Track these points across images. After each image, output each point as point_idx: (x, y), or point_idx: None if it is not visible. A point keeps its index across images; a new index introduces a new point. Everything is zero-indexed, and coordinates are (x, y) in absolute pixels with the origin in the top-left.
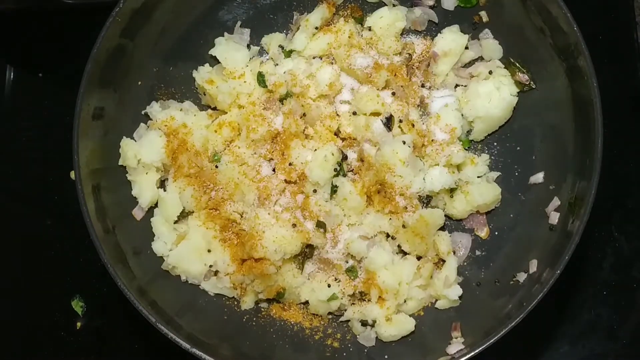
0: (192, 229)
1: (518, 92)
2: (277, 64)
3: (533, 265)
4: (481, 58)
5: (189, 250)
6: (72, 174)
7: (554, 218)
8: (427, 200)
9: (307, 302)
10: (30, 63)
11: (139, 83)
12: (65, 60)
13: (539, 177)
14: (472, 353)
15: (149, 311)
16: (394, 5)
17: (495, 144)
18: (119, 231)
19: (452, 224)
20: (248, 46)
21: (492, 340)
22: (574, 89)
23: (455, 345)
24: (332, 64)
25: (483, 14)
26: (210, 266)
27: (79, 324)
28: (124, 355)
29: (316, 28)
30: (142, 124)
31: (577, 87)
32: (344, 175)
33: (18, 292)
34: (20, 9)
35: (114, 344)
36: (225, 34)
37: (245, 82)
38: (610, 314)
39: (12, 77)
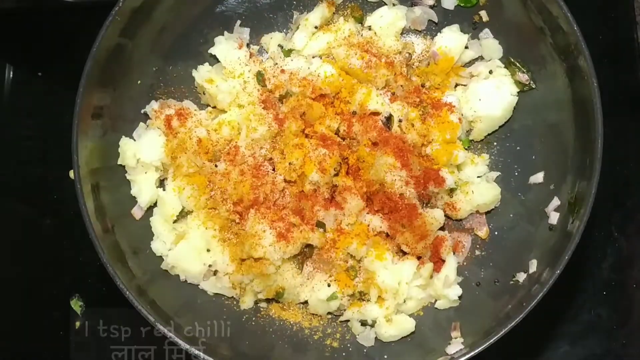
0: (192, 228)
1: (518, 92)
2: (277, 63)
3: (533, 265)
4: (481, 58)
5: (188, 249)
6: (72, 174)
7: (554, 218)
8: (426, 200)
9: (306, 302)
10: (29, 62)
11: (139, 82)
12: (65, 60)
13: (538, 177)
14: (472, 353)
15: (148, 311)
16: (394, 5)
17: (495, 143)
18: (118, 230)
19: (452, 224)
20: (248, 45)
21: (492, 340)
22: (574, 88)
23: (455, 345)
24: (331, 63)
25: (483, 13)
26: (210, 266)
27: (77, 323)
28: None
29: (316, 27)
30: (141, 123)
31: (577, 87)
32: (346, 173)
33: (17, 291)
34: (20, 8)
35: (113, 344)
36: (225, 32)
37: (244, 81)
38: (610, 314)
39: (11, 76)
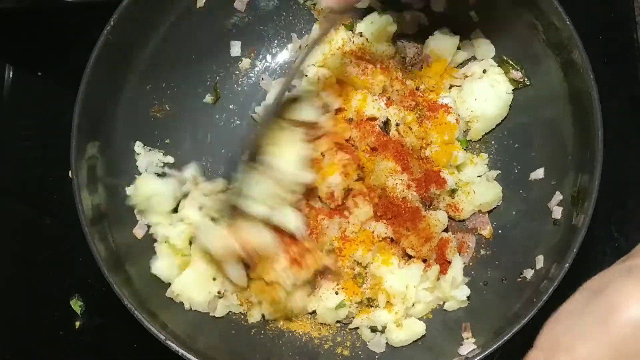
0: (196, 256)
1: (513, 90)
2: None
3: (539, 261)
4: (474, 58)
5: (193, 278)
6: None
7: (557, 213)
8: (429, 203)
9: (314, 312)
10: (29, 62)
11: (142, 84)
12: (65, 59)
13: (539, 173)
14: (485, 353)
15: (159, 330)
16: (383, 11)
17: (493, 142)
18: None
19: (455, 225)
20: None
21: (505, 338)
22: (570, 83)
23: (467, 346)
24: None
25: (473, 14)
26: (218, 292)
27: (77, 324)
28: (124, 355)
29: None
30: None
31: (573, 81)
32: (359, 179)
33: (16, 291)
34: (20, 8)
35: (113, 344)
36: None
37: None
38: None
39: (11, 76)
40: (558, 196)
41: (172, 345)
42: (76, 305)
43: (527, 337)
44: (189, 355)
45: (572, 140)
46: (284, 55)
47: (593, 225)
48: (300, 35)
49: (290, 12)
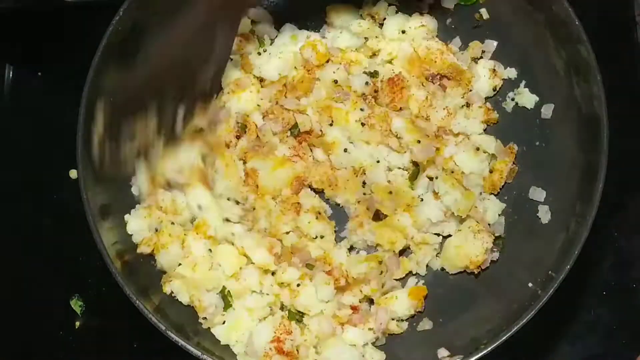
0: None
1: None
2: None
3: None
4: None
5: None
6: (72, 173)
7: (556, 222)
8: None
9: None
10: (29, 62)
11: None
12: (65, 59)
13: (541, 193)
14: (481, 353)
15: (159, 320)
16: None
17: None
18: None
19: None
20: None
21: (499, 341)
22: (580, 104)
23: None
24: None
25: (483, 11)
26: None
27: (77, 324)
28: (124, 355)
29: None
30: None
31: (584, 103)
32: None
33: (16, 291)
34: (20, 8)
35: (113, 344)
36: None
37: None
38: (610, 314)
39: (11, 76)
40: (558, 206)
41: (172, 336)
42: (76, 305)
43: (516, 339)
44: (188, 346)
45: (575, 157)
46: None
47: (593, 225)
48: (307, 30)
49: (297, 8)
